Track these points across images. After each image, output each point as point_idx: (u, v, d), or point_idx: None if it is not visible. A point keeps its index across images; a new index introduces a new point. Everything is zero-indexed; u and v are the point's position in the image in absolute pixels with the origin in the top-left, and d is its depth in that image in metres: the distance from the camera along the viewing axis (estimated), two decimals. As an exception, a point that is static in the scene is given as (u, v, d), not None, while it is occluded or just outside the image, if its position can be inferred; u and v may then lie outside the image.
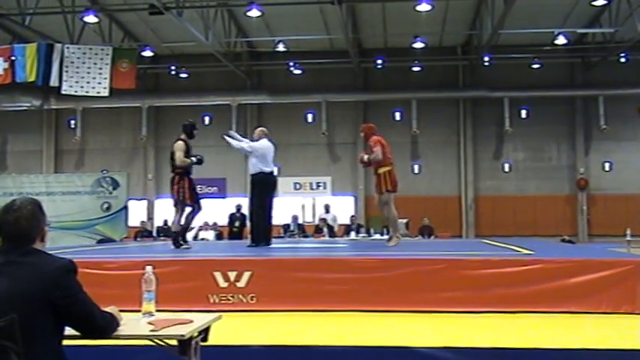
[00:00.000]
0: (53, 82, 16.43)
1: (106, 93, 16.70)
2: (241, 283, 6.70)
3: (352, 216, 21.06)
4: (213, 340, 3.64)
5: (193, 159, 9.75)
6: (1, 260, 2.94)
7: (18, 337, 2.70)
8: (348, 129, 25.58)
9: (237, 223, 18.84)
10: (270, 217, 10.05)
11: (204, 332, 3.53)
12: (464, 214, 25.12)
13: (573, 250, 11.40)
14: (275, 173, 10.02)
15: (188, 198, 9.74)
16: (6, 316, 2.68)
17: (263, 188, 9.87)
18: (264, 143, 10.00)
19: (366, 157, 9.87)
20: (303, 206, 24.44)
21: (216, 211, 23.00)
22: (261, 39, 23.62)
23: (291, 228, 18.14)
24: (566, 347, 4.97)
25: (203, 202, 10.39)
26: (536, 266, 6.59)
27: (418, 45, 22.82)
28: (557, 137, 25.13)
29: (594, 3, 19.63)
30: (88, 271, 6.41)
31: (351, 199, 25.23)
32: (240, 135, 10.73)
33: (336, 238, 16.85)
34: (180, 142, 9.71)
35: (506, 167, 25.23)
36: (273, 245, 10.40)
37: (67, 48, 16.60)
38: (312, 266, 7.00)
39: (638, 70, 23.15)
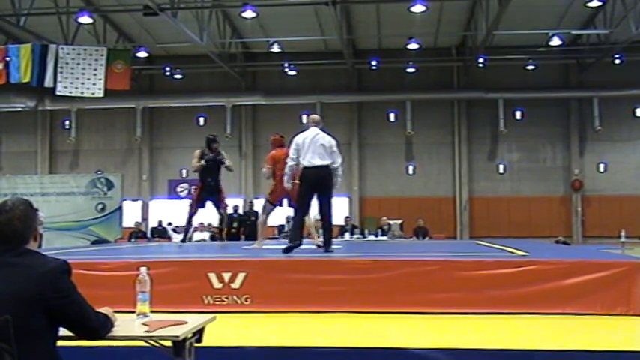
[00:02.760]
0: (48, 82, 16.41)
1: (100, 94, 16.69)
2: (236, 284, 6.69)
3: (347, 217, 21.06)
4: (207, 341, 3.64)
5: (203, 162, 10.92)
6: (-5, 261, 2.93)
7: (12, 337, 2.69)
8: (343, 130, 25.57)
9: (235, 224, 18.80)
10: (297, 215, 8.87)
11: (199, 333, 3.53)
12: (458, 215, 25.14)
13: (568, 251, 11.42)
14: (314, 164, 8.31)
15: (192, 202, 11.46)
16: (0, 317, 2.68)
17: (301, 184, 8.63)
18: (304, 133, 8.59)
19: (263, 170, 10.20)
20: (297, 207, 24.41)
21: (210, 212, 22.98)
22: (255, 40, 23.62)
23: (286, 229, 18.14)
24: (560, 348, 4.98)
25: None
26: (530, 267, 6.59)
27: (413, 46, 22.84)
28: (552, 138, 25.18)
29: (589, 4, 19.70)
30: (83, 271, 6.40)
31: (345, 200, 25.20)
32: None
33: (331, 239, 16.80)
34: (196, 151, 11.08)
35: (501, 168, 25.27)
36: (266, 246, 10.43)
37: (62, 49, 16.58)
38: (306, 267, 7.01)
39: (632, 71, 23.22)
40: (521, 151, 25.30)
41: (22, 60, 16.24)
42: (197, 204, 11.35)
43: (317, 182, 8.40)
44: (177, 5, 17.70)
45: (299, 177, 8.58)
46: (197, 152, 11.07)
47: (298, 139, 8.51)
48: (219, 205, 11.54)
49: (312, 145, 8.37)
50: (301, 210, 8.68)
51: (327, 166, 8.36)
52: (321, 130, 8.64)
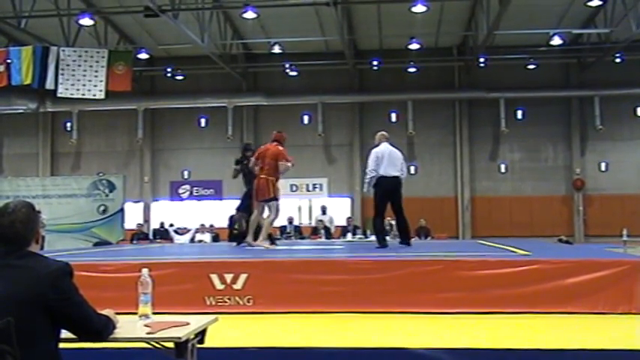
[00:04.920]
0: (49, 84, 16.41)
1: (101, 95, 16.67)
2: (238, 285, 6.69)
3: (349, 217, 21.08)
4: (209, 342, 3.64)
5: (236, 166, 11.62)
6: (-3, 263, 2.93)
7: (14, 339, 2.69)
8: (344, 130, 25.63)
9: (236, 226, 18.72)
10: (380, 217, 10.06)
11: (201, 334, 3.53)
12: (460, 215, 25.13)
13: (570, 250, 11.41)
14: (391, 175, 9.63)
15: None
16: (2, 319, 2.68)
17: (385, 191, 9.72)
18: (381, 147, 9.86)
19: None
20: (299, 208, 24.48)
21: (212, 213, 23.02)
22: (256, 41, 23.62)
23: (288, 230, 18.14)
24: (564, 348, 4.98)
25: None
26: (532, 267, 6.59)
27: (414, 46, 22.85)
28: (553, 138, 25.17)
29: (589, 3, 19.68)
30: (85, 273, 6.40)
31: (347, 201, 25.24)
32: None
33: (333, 240, 16.85)
34: (235, 159, 11.73)
35: (503, 168, 25.25)
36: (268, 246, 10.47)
37: (63, 51, 16.58)
38: (308, 268, 7.00)
39: (633, 70, 23.20)
40: (522, 150, 25.28)
41: (23, 62, 16.25)
42: (240, 209, 11.82)
43: (391, 190, 9.67)
44: (178, 6, 17.70)
45: (374, 184, 9.67)
46: (235, 160, 11.65)
47: (378, 152, 9.74)
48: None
49: (389, 159, 9.70)
50: (380, 213, 9.90)
51: (398, 177, 9.71)
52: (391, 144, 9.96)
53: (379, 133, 10.29)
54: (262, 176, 10.08)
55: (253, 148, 12.09)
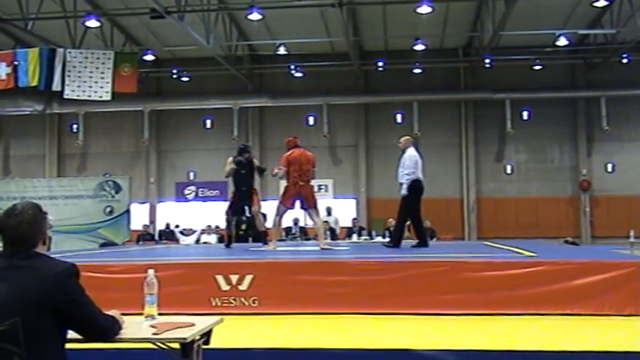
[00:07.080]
0: (55, 86, 16.45)
1: (108, 97, 16.70)
2: (243, 286, 6.70)
3: (354, 218, 21.05)
4: (215, 343, 3.65)
5: (234, 165, 11.15)
6: (4, 264, 2.94)
7: (21, 340, 2.70)
8: (350, 132, 25.62)
9: (243, 226, 18.71)
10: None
11: (207, 335, 3.53)
12: (466, 216, 25.08)
13: (576, 251, 11.38)
14: (421, 178, 9.99)
15: (228, 209, 11.55)
16: (9, 320, 2.69)
17: (420, 194, 10.03)
18: (414, 152, 10.08)
19: (275, 170, 10.45)
20: (305, 209, 24.40)
21: (218, 214, 23.03)
22: (262, 42, 23.63)
23: (293, 231, 18.13)
24: (570, 350, 4.96)
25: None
26: (539, 268, 6.58)
27: (419, 47, 22.83)
28: (560, 139, 25.10)
29: (595, 4, 19.62)
30: (91, 274, 6.42)
31: (352, 202, 25.21)
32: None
33: (338, 241, 16.83)
34: (229, 158, 11.41)
35: (509, 169, 25.20)
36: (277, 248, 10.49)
37: (69, 52, 16.62)
38: (314, 269, 7.01)
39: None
40: (528, 151, 25.22)
41: (30, 64, 16.29)
42: (233, 211, 11.60)
43: (421, 193, 10.00)
44: (184, 8, 17.72)
45: (411, 188, 9.80)
46: (229, 159, 11.33)
47: (416, 156, 9.95)
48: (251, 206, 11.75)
49: (421, 163, 9.99)
50: (419, 214, 10.16)
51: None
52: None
53: (405, 138, 10.41)
54: (302, 183, 10.01)
55: (251, 150, 12.13)
